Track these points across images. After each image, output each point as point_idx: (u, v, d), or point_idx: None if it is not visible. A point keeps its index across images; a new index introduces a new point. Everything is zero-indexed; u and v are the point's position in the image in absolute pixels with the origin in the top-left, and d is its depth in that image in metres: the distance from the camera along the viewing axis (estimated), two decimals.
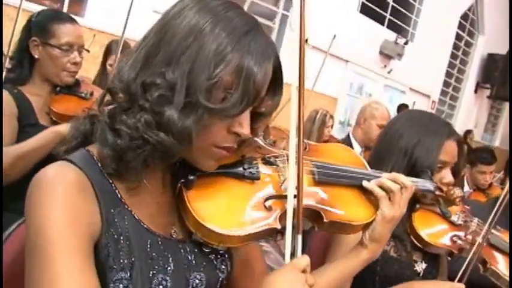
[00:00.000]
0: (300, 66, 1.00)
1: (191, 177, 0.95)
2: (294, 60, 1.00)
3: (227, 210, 0.97)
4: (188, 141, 0.86)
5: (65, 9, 4.87)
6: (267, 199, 1.01)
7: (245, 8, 6.50)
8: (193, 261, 0.98)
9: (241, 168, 1.02)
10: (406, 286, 1.44)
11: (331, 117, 4.69)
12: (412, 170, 1.57)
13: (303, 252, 0.96)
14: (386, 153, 1.64)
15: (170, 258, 0.94)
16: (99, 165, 0.89)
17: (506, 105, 11.89)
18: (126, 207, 0.91)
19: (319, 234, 1.76)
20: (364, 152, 3.81)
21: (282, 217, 1.00)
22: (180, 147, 0.87)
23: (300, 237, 0.97)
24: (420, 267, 1.60)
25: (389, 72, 8.93)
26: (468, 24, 10.88)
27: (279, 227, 0.98)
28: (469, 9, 10.67)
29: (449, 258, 1.64)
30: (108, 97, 0.94)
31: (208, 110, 0.85)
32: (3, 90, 1.92)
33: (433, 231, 1.56)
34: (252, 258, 1.14)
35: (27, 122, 1.93)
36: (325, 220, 1.06)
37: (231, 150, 0.95)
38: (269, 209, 1.00)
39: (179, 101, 0.85)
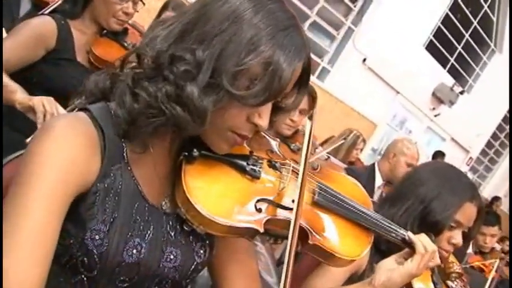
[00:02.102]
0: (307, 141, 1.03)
1: (195, 153, 0.96)
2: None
3: (217, 196, 0.97)
4: (202, 120, 0.88)
5: None
6: (259, 200, 1.01)
7: (315, 10, 6.49)
8: (173, 237, 0.98)
9: (245, 163, 1.02)
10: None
11: (364, 140, 4.63)
12: (424, 220, 1.56)
13: (295, 263, 0.95)
14: (404, 195, 1.62)
15: (152, 227, 0.95)
16: (114, 122, 0.92)
17: None
18: (127, 166, 0.93)
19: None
20: (384, 185, 3.73)
21: (268, 223, 1.00)
22: (193, 125, 0.88)
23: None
24: None
25: (436, 116, 8.76)
26: None
27: (261, 230, 0.98)
28: None
29: None
30: (133, 59, 0.95)
31: (229, 94, 0.86)
32: (53, 19, 1.93)
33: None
34: (245, 258, 1.14)
35: (64, 56, 1.94)
36: (309, 241, 1.05)
37: (245, 138, 0.96)
38: (259, 210, 1.00)
39: (203, 79, 0.86)
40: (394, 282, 1.24)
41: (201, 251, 1.03)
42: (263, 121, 0.93)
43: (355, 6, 6.92)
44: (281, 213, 1.03)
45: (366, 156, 7.26)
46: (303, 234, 1.05)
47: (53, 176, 0.82)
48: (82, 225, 0.87)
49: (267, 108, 0.93)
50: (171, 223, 0.99)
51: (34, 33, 1.88)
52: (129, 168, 0.93)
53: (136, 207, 0.93)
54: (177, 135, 0.97)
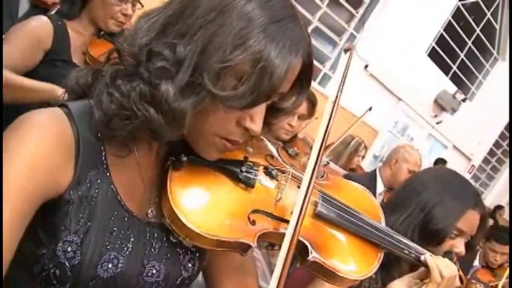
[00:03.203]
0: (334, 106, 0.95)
1: (183, 158, 0.88)
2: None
3: (206, 207, 0.88)
4: (179, 124, 0.79)
5: None
6: (254, 211, 0.92)
7: (317, 16, 6.46)
8: (156, 249, 0.90)
9: (238, 169, 0.92)
10: None
11: (365, 147, 4.60)
12: (425, 228, 1.50)
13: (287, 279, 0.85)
14: (404, 202, 1.57)
15: (131, 239, 0.87)
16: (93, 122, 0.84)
17: None
18: (106, 171, 0.85)
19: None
20: (386, 192, 3.70)
21: (263, 236, 0.92)
22: (169, 129, 0.80)
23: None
24: None
25: (438, 123, 8.72)
26: None
27: (253, 245, 0.89)
28: None
29: None
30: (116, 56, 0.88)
31: (211, 95, 0.77)
32: (49, 19, 1.91)
33: None
34: (241, 274, 1.07)
35: (59, 57, 1.93)
36: (309, 258, 0.94)
37: (236, 143, 0.87)
38: (252, 222, 0.90)
39: (182, 78, 0.77)
40: None
41: (189, 265, 0.95)
42: (255, 125, 0.83)
43: (357, 13, 6.89)
44: (277, 226, 0.93)
45: (367, 163, 7.22)
46: (302, 250, 0.95)
47: (17, 172, 0.75)
48: (54, 235, 0.80)
49: (259, 111, 0.83)
50: (155, 234, 0.91)
51: (30, 38, 1.87)
52: (107, 174, 0.85)
53: (113, 217, 0.85)
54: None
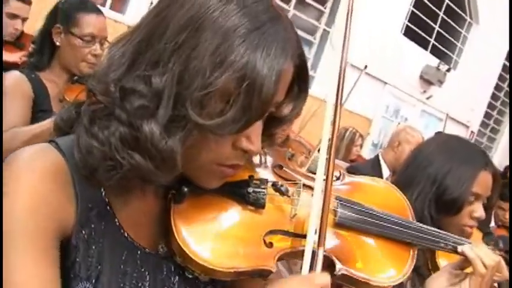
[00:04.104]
0: (338, 88, 0.86)
1: (185, 190, 0.79)
2: (333, 78, 0.87)
3: (216, 238, 0.81)
4: (171, 166, 0.71)
5: (107, 5, 4.93)
6: (268, 233, 0.84)
7: None
8: (175, 285, 0.83)
9: (245, 190, 0.84)
10: None
11: (361, 136, 4.61)
12: (440, 200, 1.46)
13: None
14: (413, 180, 1.53)
15: (147, 276, 0.80)
16: None
17: None
18: (109, 208, 0.78)
19: None
20: (392, 176, 3.70)
21: (283, 257, 0.85)
22: (160, 174, 0.71)
23: (321, 252, 0.82)
24: None
25: (428, 98, 8.72)
26: None
27: (274, 270, 0.81)
28: None
29: None
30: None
31: (198, 127, 0.68)
32: (21, 73, 1.92)
33: None
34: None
35: (41, 108, 1.93)
36: (336, 272, 0.87)
37: (237, 168, 0.80)
38: (269, 245, 0.84)
39: (165, 114, 0.68)
40: None
41: None
42: (253, 145, 0.75)
43: (325, 8, 6.93)
44: (297, 244, 0.86)
45: (368, 152, 7.21)
46: (328, 264, 0.88)
47: (24, 225, 0.69)
48: (67, 283, 0.74)
49: (255, 129, 0.74)
50: (172, 268, 0.83)
51: (16, 95, 1.86)
52: (110, 211, 0.78)
53: (124, 256, 0.78)
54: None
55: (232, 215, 0.84)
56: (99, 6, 2.18)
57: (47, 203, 0.71)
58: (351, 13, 0.89)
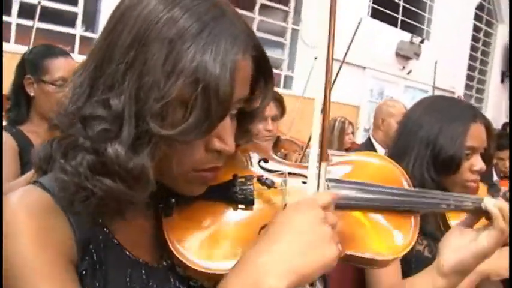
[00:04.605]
0: (326, 81, 0.83)
1: (172, 201, 0.79)
2: (320, 74, 0.83)
3: (212, 242, 0.80)
4: (144, 183, 0.70)
5: (76, 51, 4.94)
6: (263, 227, 0.81)
7: (254, 27, 6.52)
8: None
9: (232, 191, 0.84)
10: None
11: (351, 123, 4.60)
12: (437, 161, 1.46)
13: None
14: (407, 147, 1.53)
15: None
16: None
17: None
18: (105, 230, 0.77)
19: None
20: (386, 154, 3.69)
21: None
22: (135, 194, 0.70)
23: (324, 166, 0.79)
24: None
25: (408, 73, 8.76)
26: (485, 14, 10.61)
27: None
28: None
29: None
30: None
31: (164, 139, 0.68)
32: (4, 130, 1.92)
33: None
34: None
35: (27, 160, 1.91)
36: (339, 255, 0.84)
37: (216, 170, 0.79)
38: None
39: (128, 134, 0.68)
40: (469, 265, 1.02)
41: None
42: (226, 144, 0.74)
43: (289, 8, 6.98)
44: None
45: (361, 139, 7.21)
46: None
47: (36, 259, 0.68)
48: None
49: (224, 128, 0.73)
50: (179, 278, 0.83)
51: (5, 149, 1.86)
52: (107, 232, 0.77)
53: (129, 275, 0.77)
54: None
55: (224, 218, 0.84)
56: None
57: (47, 235, 0.71)
58: (334, 13, 0.90)
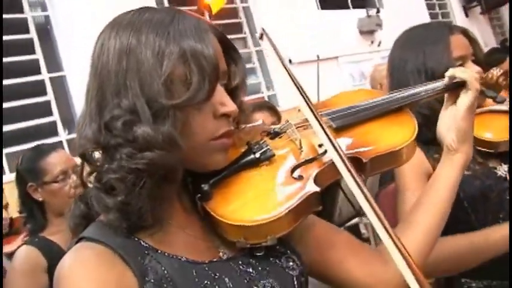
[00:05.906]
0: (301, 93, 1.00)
1: (205, 188, 0.89)
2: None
3: (257, 200, 0.90)
4: (176, 146, 0.81)
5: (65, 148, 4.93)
6: (293, 170, 0.95)
7: None
8: (254, 272, 0.90)
9: (252, 155, 0.96)
10: None
11: None
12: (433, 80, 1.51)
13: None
14: (402, 85, 1.52)
15: (226, 279, 0.86)
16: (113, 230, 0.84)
17: (504, 8, 11.45)
18: (156, 250, 0.84)
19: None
20: None
21: (317, 179, 0.93)
22: (172, 157, 0.82)
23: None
24: (502, 170, 1.46)
25: (379, 45, 8.81)
26: None
27: (318, 189, 0.91)
28: None
29: None
30: (87, 167, 0.89)
31: (177, 108, 0.81)
32: (26, 245, 1.89)
33: (494, 128, 1.45)
34: (334, 236, 1.07)
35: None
36: (365, 161, 0.98)
37: (230, 135, 0.91)
38: (299, 178, 0.93)
39: (147, 116, 0.81)
40: (465, 128, 1.12)
41: (291, 263, 0.94)
42: (229, 106, 0.89)
43: (244, 34, 7.05)
44: (321, 163, 0.96)
45: None
46: (355, 162, 0.96)
47: None
48: None
49: (221, 94, 0.89)
50: (241, 263, 0.91)
51: (27, 275, 1.82)
52: (159, 251, 0.84)
53: (195, 274, 0.84)
54: (174, 185, 0.89)
55: (257, 178, 0.94)
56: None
57: (109, 282, 0.76)
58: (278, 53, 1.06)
